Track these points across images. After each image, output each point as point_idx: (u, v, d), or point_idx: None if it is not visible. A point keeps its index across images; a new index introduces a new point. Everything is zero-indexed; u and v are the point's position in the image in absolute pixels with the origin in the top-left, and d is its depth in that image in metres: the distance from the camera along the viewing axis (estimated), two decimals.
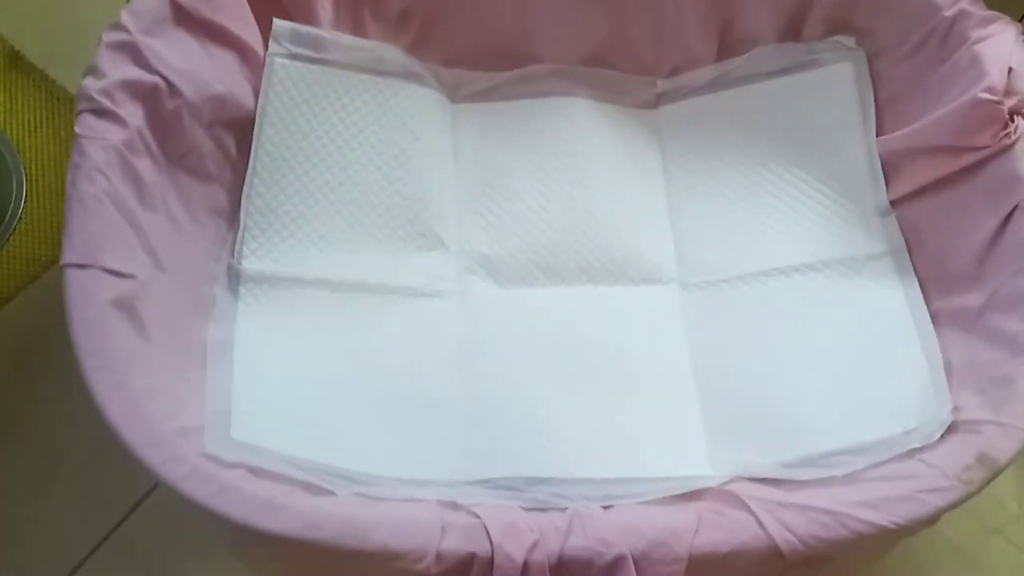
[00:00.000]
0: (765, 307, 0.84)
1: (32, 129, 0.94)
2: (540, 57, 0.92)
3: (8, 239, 0.89)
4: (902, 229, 0.83)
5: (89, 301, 0.66)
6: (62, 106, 0.94)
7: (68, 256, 0.66)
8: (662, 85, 0.93)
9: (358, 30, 0.87)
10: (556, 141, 0.90)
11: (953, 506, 0.66)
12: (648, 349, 0.84)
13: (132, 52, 0.72)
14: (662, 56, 0.92)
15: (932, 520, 0.68)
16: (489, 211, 0.88)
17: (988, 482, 0.66)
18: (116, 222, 0.69)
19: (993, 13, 0.77)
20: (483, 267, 0.86)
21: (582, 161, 0.89)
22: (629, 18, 0.90)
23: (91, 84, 0.70)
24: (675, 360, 0.83)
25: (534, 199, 0.88)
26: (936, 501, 0.66)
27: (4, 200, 0.91)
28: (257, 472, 0.67)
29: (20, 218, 0.90)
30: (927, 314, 0.79)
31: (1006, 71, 0.74)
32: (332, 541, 0.64)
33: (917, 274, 0.81)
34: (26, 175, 0.92)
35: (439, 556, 0.66)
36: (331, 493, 0.69)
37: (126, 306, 0.68)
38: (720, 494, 0.72)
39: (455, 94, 0.92)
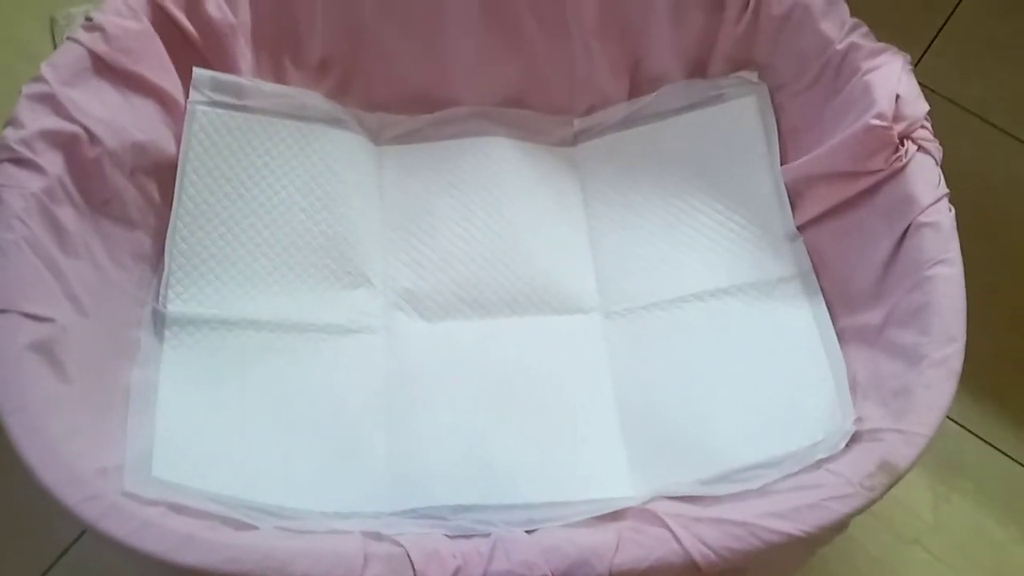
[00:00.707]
0: (683, 332, 0.86)
1: None
2: (459, 100, 0.95)
3: None
4: (809, 252, 0.86)
5: (6, 345, 0.66)
6: None
7: None
8: (579, 124, 0.96)
9: (279, 78, 0.90)
10: (478, 179, 0.92)
11: (858, 512, 0.68)
12: (572, 376, 0.86)
13: (52, 103, 0.74)
14: (576, 97, 0.96)
15: (840, 527, 0.70)
16: (414, 248, 0.90)
17: (890, 487, 0.68)
18: (35, 268, 0.70)
19: (882, 45, 0.82)
20: (408, 303, 0.88)
21: (504, 197, 0.92)
22: (541, 64, 0.94)
23: (10, 135, 0.72)
24: (598, 386, 0.85)
25: (457, 235, 0.90)
26: (841, 508, 0.68)
27: None
28: (178, 509, 0.68)
29: None
30: (833, 332, 0.82)
31: (894, 98, 0.78)
32: (254, 574, 0.65)
33: (824, 294, 0.84)
34: None
35: None
36: (253, 528, 0.69)
37: (45, 350, 0.68)
38: (640, 513, 0.74)
39: (378, 137, 0.94)
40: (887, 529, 0.88)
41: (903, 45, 0.81)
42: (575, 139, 0.96)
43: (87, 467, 0.66)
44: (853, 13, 0.84)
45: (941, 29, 1.15)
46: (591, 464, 0.81)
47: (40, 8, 1.06)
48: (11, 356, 0.66)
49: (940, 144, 0.79)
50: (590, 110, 0.96)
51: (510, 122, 0.95)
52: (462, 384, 0.84)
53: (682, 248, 0.90)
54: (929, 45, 1.14)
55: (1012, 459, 0.92)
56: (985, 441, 0.92)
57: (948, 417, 0.92)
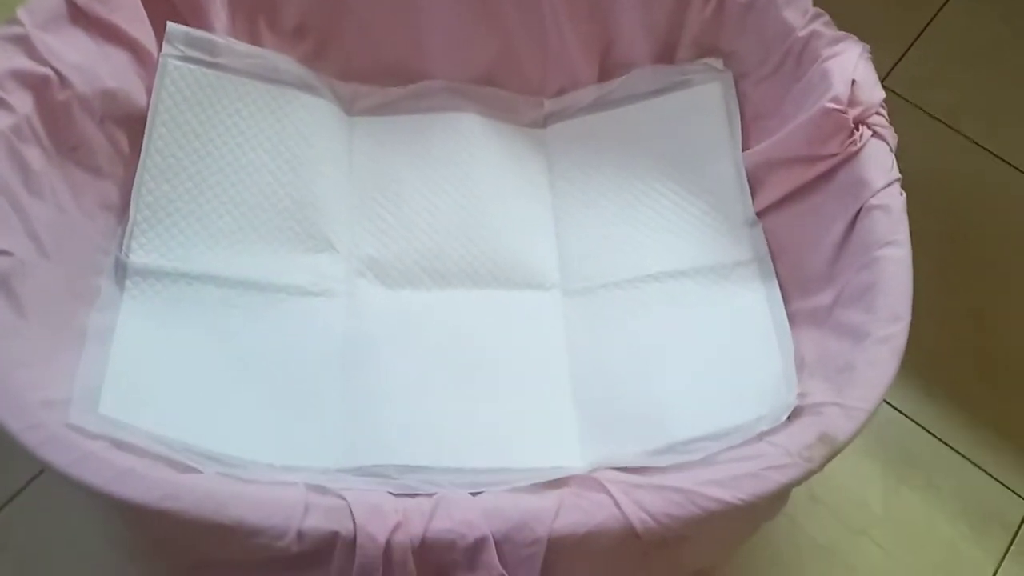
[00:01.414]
0: (639, 311, 0.87)
1: None
2: (432, 74, 0.97)
3: None
4: (767, 237, 0.87)
5: None
6: None
7: None
8: (549, 105, 0.98)
9: (254, 40, 0.91)
10: (447, 153, 0.94)
11: (796, 482, 0.69)
12: (528, 349, 0.86)
13: (25, 45, 0.75)
14: (548, 77, 0.98)
15: (779, 497, 0.71)
16: (379, 216, 0.91)
17: (828, 459, 0.69)
18: None
19: (842, 33, 0.84)
20: (371, 269, 0.89)
21: (472, 172, 0.93)
22: (515, 41, 0.96)
23: None
24: (553, 360, 0.86)
25: (423, 206, 0.91)
26: (779, 477, 0.68)
27: None
28: (120, 445, 0.68)
29: None
30: (784, 313, 0.83)
31: (850, 83, 0.79)
32: (190, 512, 0.65)
33: (780, 278, 0.85)
34: None
35: (300, 534, 0.67)
36: (196, 471, 0.70)
37: (1, 282, 0.69)
38: (584, 480, 0.74)
39: (351, 108, 0.96)
40: (836, 519, 0.88)
41: (878, 53, 0.83)
42: (545, 120, 0.98)
43: (33, 397, 0.67)
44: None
45: (916, 39, 1.17)
46: (541, 434, 0.82)
47: None
48: None
49: (912, 150, 0.80)
50: (560, 92, 0.98)
51: (482, 100, 0.97)
52: (418, 350, 0.85)
53: (644, 230, 0.91)
54: (903, 54, 1.16)
55: (964, 456, 0.92)
56: (938, 438, 0.93)
57: (902, 412, 0.94)
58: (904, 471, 0.91)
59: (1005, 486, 0.91)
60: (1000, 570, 0.86)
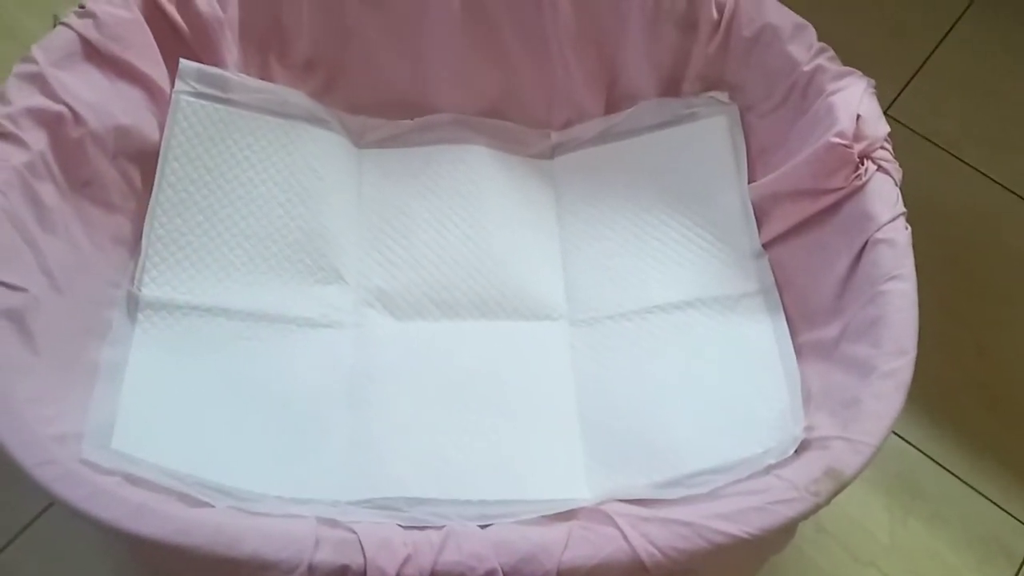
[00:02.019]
0: (646, 341, 0.88)
1: None
2: (440, 107, 0.98)
3: None
4: (773, 269, 0.88)
5: None
6: None
7: None
8: (556, 137, 0.99)
9: (265, 75, 0.92)
10: (455, 185, 0.95)
11: (803, 516, 0.69)
12: (535, 380, 0.87)
13: (40, 82, 0.76)
14: (555, 110, 0.99)
15: (786, 531, 0.71)
16: (388, 248, 0.92)
17: (835, 494, 0.69)
18: (11, 238, 0.72)
19: (847, 68, 0.84)
20: (380, 300, 0.89)
21: (480, 204, 0.94)
22: (521, 74, 0.97)
23: None
24: (560, 391, 0.87)
25: (431, 237, 0.92)
26: (786, 511, 0.69)
27: None
28: (133, 480, 0.69)
29: None
30: (791, 345, 0.83)
31: (855, 118, 0.80)
32: (203, 548, 0.65)
33: (786, 310, 0.86)
34: None
35: (311, 568, 0.67)
36: (208, 505, 0.70)
37: (16, 318, 0.70)
38: (592, 513, 0.74)
39: (359, 140, 0.97)
40: (842, 549, 0.89)
41: (881, 83, 0.84)
42: (552, 152, 0.99)
43: (47, 432, 0.67)
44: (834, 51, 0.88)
45: (919, 69, 1.18)
46: (549, 465, 0.82)
47: (45, 5, 1.09)
48: None
49: (915, 180, 0.80)
50: (567, 124, 0.99)
51: (490, 132, 0.98)
52: (426, 381, 0.86)
53: (650, 261, 0.92)
54: (906, 84, 1.17)
55: (969, 486, 0.92)
56: (944, 467, 0.93)
57: (908, 442, 0.94)
58: (910, 501, 0.91)
59: (1011, 515, 0.91)
60: None
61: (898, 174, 0.81)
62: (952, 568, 0.88)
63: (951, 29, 1.22)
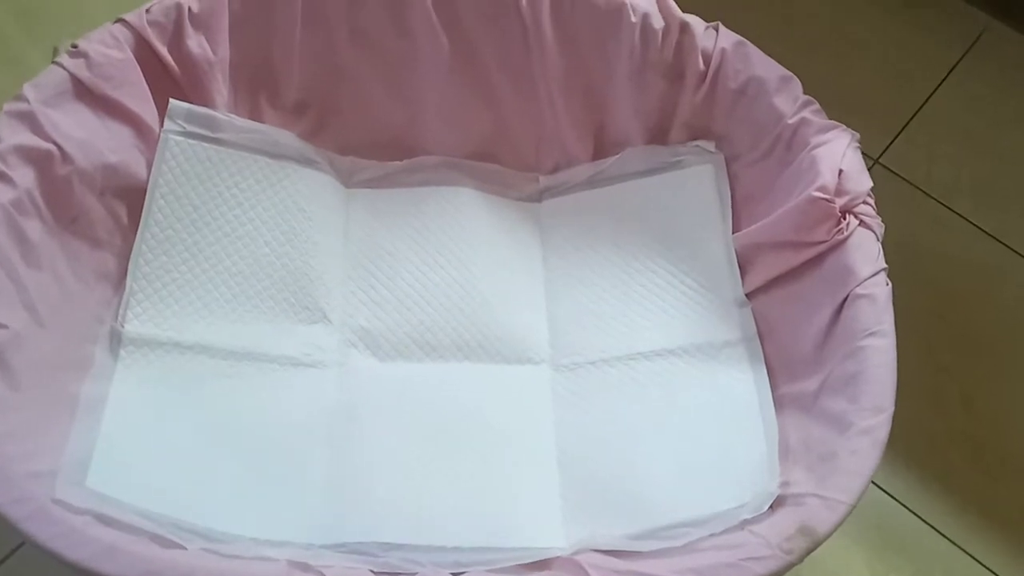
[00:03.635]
0: (628, 388, 0.87)
1: None
2: (429, 149, 0.98)
3: None
4: (756, 318, 0.88)
5: None
6: None
7: None
8: (544, 181, 0.99)
9: (255, 116, 0.93)
10: (442, 226, 0.95)
11: (774, 574, 0.69)
12: (515, 425, 0.87)
13: (29, 120, 0.77)
14: (543, 154, 0.99)
15: None
16: (372, 288, 0.92)
17: (809, 551, 0.69)
18: None
19: (832, 122, 0.85)
20: (363, 341, 0.90)
21: (465, 245, 0.94)
22: (511, 119, 0.98)
23: None
24: (540, 437, 0.86)
25: (416, 279, 0.92)
26: (758, 569, 0.68)
27: None
28: (105, 520, 0.69)
29: None
30: (771, 397, 0.83)
31: (838, 172, 0.81)
32: None
33: (767, 360, 0.86)
34: None
35: None
36: (180, 547, 0.70)
37: None
38: (566, 563, 0.74)
39: (348, 180, 0.97)
40: None
41: (874, 131, 0.83)
42: (540, 196, 0.99)
43: (20, 470, 0.68)
44: (826, 100, 0.88)
45: (912, 118, 1.19)
46: (525, 513, 0.82)
47: (47, 35, 1.11)
48: None
49: (905, 229, 0.80)
50: (555, 169, 0.99)
51: (478, 175, 0.98)
52: (406, 424, 0.86)
53: (635, 307, 0.92)
54: (899, 132, 1.17)
55: (954, 543, 0.91)
56: (928, 523, 0.92)
57: (891, 495, 0.93)
58: (892, 557, 0.90)
59: (994, 573, 0.90)
60: None
61: (880, 229, 0.81)
62: None
63: (945, 78, 1.22)
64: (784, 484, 0.75)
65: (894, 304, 0.79)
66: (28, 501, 0.66)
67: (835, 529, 0.70)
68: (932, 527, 0.92)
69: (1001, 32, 1.25)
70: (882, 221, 0.81)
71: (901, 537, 0.92)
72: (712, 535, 0.74)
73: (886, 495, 0.93)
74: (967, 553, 0.91)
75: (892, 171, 1.14)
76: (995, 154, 1.17)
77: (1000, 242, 1.10)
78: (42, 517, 0.66)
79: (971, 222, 1.11)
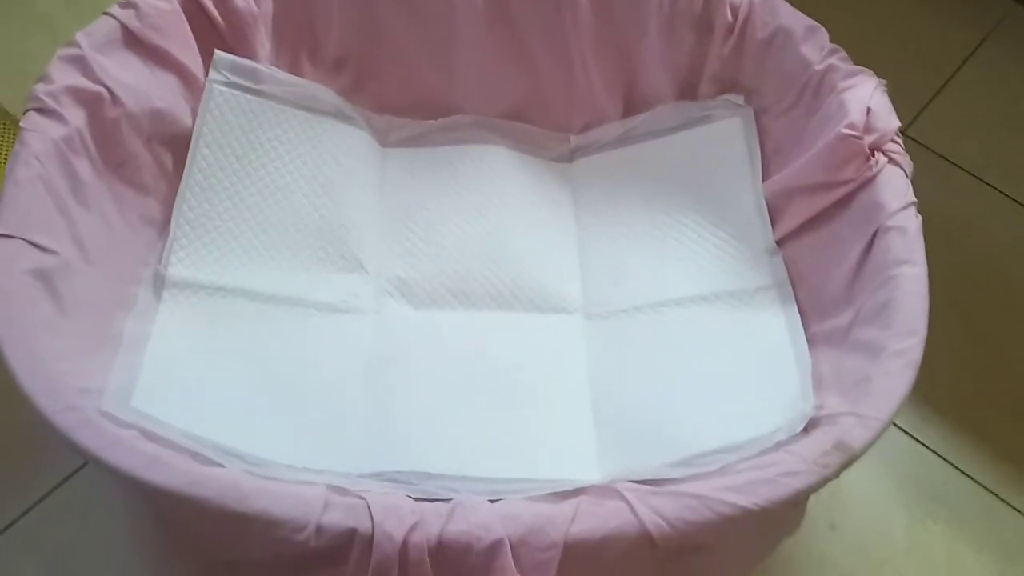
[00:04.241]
0: (660, 333, 0.89)
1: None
2: (463, 109, 1.01)
3: None
4: (787, 264, 0.89)
5: (10, 267, 0.71)
6: None
7: None
8: (575, 140, 1.02)
9: (295, 72, 0.96)
10: (475, 182, 0.97)
11: (811, 489, 0.69)
12: (549, 369, 0.88)
13: (81, 64, 0.80)
14: (574, 114, 1.01)
15: (794, 504, 0.70)
16: (408, 240, 0.94)
17: (844, 467, 0.69)
18: (46, 205, 0.75)
19: (858, 67, 0.86)
20: (398, 290, 0.91)
21: (498, 200, 0.96)
22: (543, 79, 1.00)
23: (40, 88, 0.78)
24: (574, 379, 0.87)
25: (451, 231, 0.94)
26: (794, 483, 0.68)
27: None
28: (150, 436, 0.71)
29: None
30: (803, 334, 0.84)
31: (866, 111, 0.82)
32: (213, 501, 0.66)
33: (799, 304, 0.87)
34: None
35: (319, 529, 0.68)
36: (220, 467, 0.71)
37: (45, 278, 0.73)
38: (601, 489, 0.74)
39: (384, 139, 1.00)
40: (859, 550, 0.87)
41: (901, 105, 0.85)
42: (571, 155, 1.01)
43: (69, 384, 0.70)
44: None
45: (939, 91, 1.20)
46: (560, 447, 0.83)
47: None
48: (11, 277, 0.71)
49: (934, 199, 0.81)
50: (586, 128, 1.01)
51: (511, 134, 1.01)
52: (442, 366, 0.87)
53: (666, 259, 0.93)
54: (926, 105, 1.19)
55: (992, 492, 0.91)
56: (965, 474, 0.92)
57: (929, 447, 0.93)
58: (929, 505, 0.90)
59: None
60: None
61: (909, 166, 0.82)
62: (971, 572, 0.86)
63: (968, 57, 1.24)
64: (818, 408, 0.75)
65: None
66: (76, 411, 0.67)
67: (869, 446, 0.70)
68: (969, 477, 0.92)
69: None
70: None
71: (937, 486, 0.91)
72: (747, 458, 0.74)
73: (922, 446, 0.93)
74: (1004, 501, 0.91)
75: (920, 143, 1.15)
76: (1021, 127, 1.18)
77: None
78: (90, 428, 0.67)
79: (1002, 192, 1.12)
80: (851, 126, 0.81)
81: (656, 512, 0.69)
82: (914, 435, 0.94)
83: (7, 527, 0.83)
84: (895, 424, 0.93)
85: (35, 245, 0.73)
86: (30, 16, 1.16)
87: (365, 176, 0.96)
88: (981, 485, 0.91)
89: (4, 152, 1.04)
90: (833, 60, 0.87)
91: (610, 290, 0.93)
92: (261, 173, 0.91)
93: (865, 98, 0.83)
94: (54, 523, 0.83)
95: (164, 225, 0.87)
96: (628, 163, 0.99)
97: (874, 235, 0.80)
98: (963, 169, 1.14)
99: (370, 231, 0.94)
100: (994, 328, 1.02)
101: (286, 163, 0.92)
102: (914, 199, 0.80)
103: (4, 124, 1.05)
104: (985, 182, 1.13)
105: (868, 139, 0.81)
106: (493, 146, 0.99)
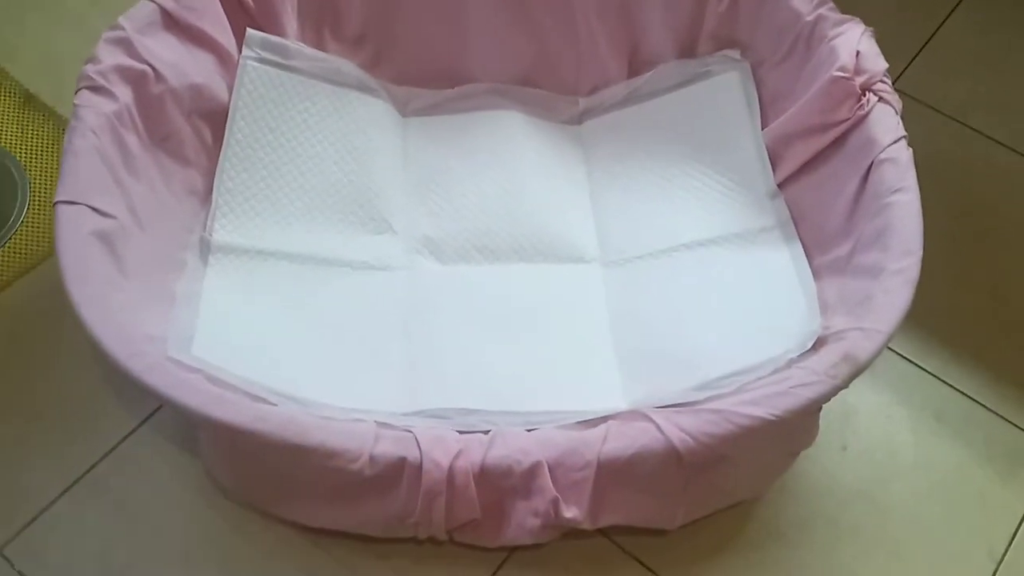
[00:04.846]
0: (673, 275, 0.95)
1: (40, 152, 1.09)
2: (477, 77, 1.07)
3: (10, 237, 1.02)
4: (789, 206, 0.95)
5: (75, 230, 0.77)
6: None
7: (60, 195, 0.78)
8: (584, 103, 1.07)
9: (320, 47, 1.02)
10: (492, 145, 1.03)
11: (824, 398, 0.75)
12: (571, 312, 0.94)
13: (125, 45, 0.86)
14: (582, 77, 1.07)
15: (808, 412, 0.76)
16: (432, 201, 1.00)
17: (852, 377, 0.75)
18: (103, 173, 0.81)
19: (846, 16, 0.92)
20: (427, 247, 0.97)
21: (515, 160, 1.02)
22: (551, 44, 1.06)
23: (90, 68, 0.84)
24: (595, 320, 0.94)
25: (472, 191, 1.00)
26: (807, 394, 0.74)
27: (8, 207, 1.04)
28: (212, 380, 0.76)
29: (23, 221, 1.03)
30: (807, 265, 0.90)
31: (855, 54, 0.88)
32: (276, 434, 0.72)
33: (801, 240, 0.93)
34: (30, 186, 1.06)
35: (372, 458, 0.74)
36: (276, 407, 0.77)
37: (107, 240, 0.79)
38: (628, 414, 0.81)
39: (405, 109, 1.06)
40: (870, 467, 0.93)
41: (889, 57, 0.90)
42: (580, 118, 1.07)
43: (137, 332, 0.76)
44: None
45: (925, 44, 1.26)
46: (587, 381, 0.89)
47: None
48: (78, 238, 0.77)
49: (925, 145, 0.86)
50: (594, 90, 1.07)
51: (523, 99, 1.07)
52: (472, 314, 0.93)
53: (675, 207, 0.99)
54: (913, 58, 1.25)
55: (991, 411, 0.96)
56: (966, 395, 0.98)
57: (931, 373, 0.99)
58: (933, 424, 0.96)
59: None
60: None
61: (898, 104, 0.88)
62: (976, 481, 0.92)
63: (954, 10, 1.30)
64: (825, 328, 0.81)
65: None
66: (146, 355, 0.73)
67: (875, 357, 0.76)
68: (970, 397, 0.97)
69: None
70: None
71: (941, 408, 0.97)
72: (761, 378, 0.80)
73: (924, 371, 0.99)
74: (1004, 418, 0.96)
75: (908, 94, 1.21)
76: (1005, 75, 1.24)
77: (1015, 151, 1.17)
78: (159, 371, 0.73)
79: (985, 135, 1.18)
80: (842, 69, 0.87)
81: (681, 428, 0.75)
82: (916, 362, 0.99)
83: (78, 479, 0.88)
84: (899, 353, 0.99)
85: (96, 210, 0.79)
86: (61, 13, 1.21)
87: (389, 144, 1.02)
88: (981, 404, 0.97)
89: (43, 139, 1.10)
90: (822, 11, 0.93)
91: (624, 238, 0.99)
92: (293, 143, 0.97)
93: (854, 42, 0.89)
94: (120, 474, 0.89)
95: (206, 195, 0.93)
96: (634, 121, 1.05)
97: (869, 169, 0.86)
98: (948, 116, 1.20)
99: (397, 194, 1.00)
100: (985, 259, 1.07)
101: (316, 133, 0.98)
102: (904, 133, 0.86)
103: (44, 115, 1.12)
104: (970, 127, 1.19)
105: (859, 80, 0.87)
106: (507, 111, 1.05)
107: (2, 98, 1.12)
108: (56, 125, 1.11)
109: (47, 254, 1.01)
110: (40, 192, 1.06)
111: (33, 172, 1.07)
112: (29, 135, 1.10)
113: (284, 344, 0.86)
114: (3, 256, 1.01)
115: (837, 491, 0.91)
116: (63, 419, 0.92)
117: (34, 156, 1.08)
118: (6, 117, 1.11)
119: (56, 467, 0.89)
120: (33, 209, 1.04)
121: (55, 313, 0.97)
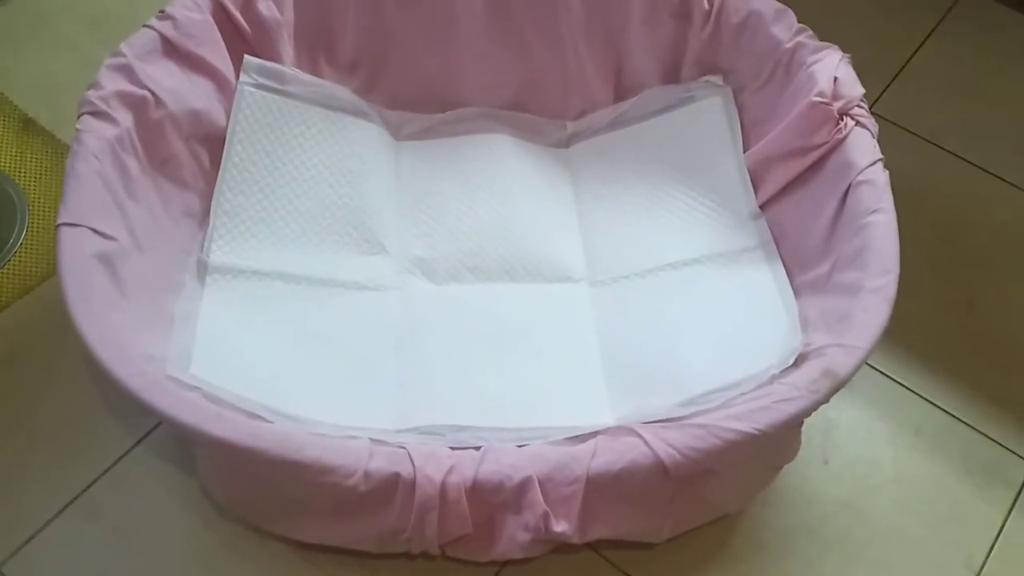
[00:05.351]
0: (659, 294, 0.97)
1: (38, 176, 1.11)
2: (468, 102, 1.10)
3: (9, 260, 1.04)
4: (770, 226, 0.98)
5: (77, 251, 0.79)
6: (65, 158, 1.11)
7: (62, 217, 0.80)
8: (571, 127, 1.11)
9: (315, 73, 1.05)
10: (483, 168, 1.06)
11: (804, 413, 0.77)
12: (560, 330, 0.97)
13: (127, 72, 0.89)
14: (570, 101, 1.10)
15: (789, 427, 0.79)
16: (424, 223, 1.03)
17: (833, 392, 0.77)
18: (105, 196, 0.83)
19: (824, 43, 0.96)
20: (419, 267, 1.00)
21: (505, 183, 1.05)
22: (540, 69, 1.09)
23: (92, 94, 0.86)
24: (583, 338, 0.96)
25: (463, 212, 1.03)
26: (789, 408, 0.77)
27: (7, 230, 1.06)
28: (211, 398, 0.78)
29: (21, 243, 1.05)
30: (788, 283, 0.93)
31: (832, 80, 0.91)
32: (272, 450, 0.74)
33: (782, 259, 0.96)
34: (29, 210, 1.08)
35: (367, 474, 0.76)
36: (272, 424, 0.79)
37: (108, 262, 0.81)
38: (615, 430, 0.83)
39: (397, 133, 1.09)
40: (852, 480, 0.95)
41: (865, 84, 0.94)
42: (568, 141, 1.10)
43: (136, 351, 0.77)
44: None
45: (901, 70, 1.30)
46: (575, 398, 0.91)
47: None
48: (80, 260, 0.79)
49: (901, 167, 0.89)
50: (581, 114, 1.11)
51: (512, 123, 1.10)
52: (463, 333, 0.95)
53: (660, 228, 1.02)
54: (889, 83, 1.28)
55: (968, 425, 0.99)
56: (943, 410, 1.00)
57: (909, 388, 1.02)
58: (912, 438, 0.98)
59: (1007, 448, 0.98)
60: (1008, 520, 0.93)
61: (874, 128, 0.91)
62: (955, 493, 0.95)
63: (927, 38, 1.34)
64: (806, 345, 0.83)
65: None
66: (146, 375, 0.75)
67: (854, 372, 0.78)
68: (948, 412, 1.00)
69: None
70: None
71: (919, 423, 1.00)
72: (745, 393, 0.82)
73: (902, 387, 1.02)
74: (980, 432, 0.99)
75: (884, 118, 1.25)
76: (977, 99, 1.28)
77: (987, 172, 1.20)
78: (159, 389, 0.75)
79: (959, 156, 1.22)
80: (820, 94, 0.91)
81: (668, 443, 0.77)
82: (895, 377, 1.02)
83: (74, 499, 0.90)
84: (878, 369, 1.02)
85: (97, 232, 0.81)
86: (57, 40, 1.24)
87: (382, 167, 1.05)
88: (958, 418, 1.00)
89: (41, 163, 1.12)
90: (801, 38, 0.97)
91: (610, 259, 1.01)
92: (289, 167, 0.99)
93: (832, 69, 0.92)
94: (116, 493, 0.90)
95: (204, 217, 0.95)
96: (621, 144, 1.08)
97: (847, 191, 0.89)
98: (923, 139, 1.24)
99: (390, 216, 1.02)
100: (961, 277, 1.11)
101: (311, 157, 1.00)
102: (881, 156, 0.89)
103: (42, 139, 1.14)
104: (945, 149, 1.23)
105: (836, 105, 0.91)
106: (498, 135, 1.08)
107: (1, 123, 1.14)
108: (54, 149, 1.13)
109: (45, 276, 1.03)
110: (39, 215, 1.08)
111: (32, 195, 1.09)
112: (28, 159, 1.12)
113: (279, 362, 0.88)
114: (2, 278, 1.03)
115: (819, 504, 0.94)
116: (59, 439, 0.93)
117: (33, 180, 1.10)
118: (5, 141, 1.13)
119: (52, 487, 0.91)
120: (32, 232, 1.06)
121: (52, 334, 0.99)
